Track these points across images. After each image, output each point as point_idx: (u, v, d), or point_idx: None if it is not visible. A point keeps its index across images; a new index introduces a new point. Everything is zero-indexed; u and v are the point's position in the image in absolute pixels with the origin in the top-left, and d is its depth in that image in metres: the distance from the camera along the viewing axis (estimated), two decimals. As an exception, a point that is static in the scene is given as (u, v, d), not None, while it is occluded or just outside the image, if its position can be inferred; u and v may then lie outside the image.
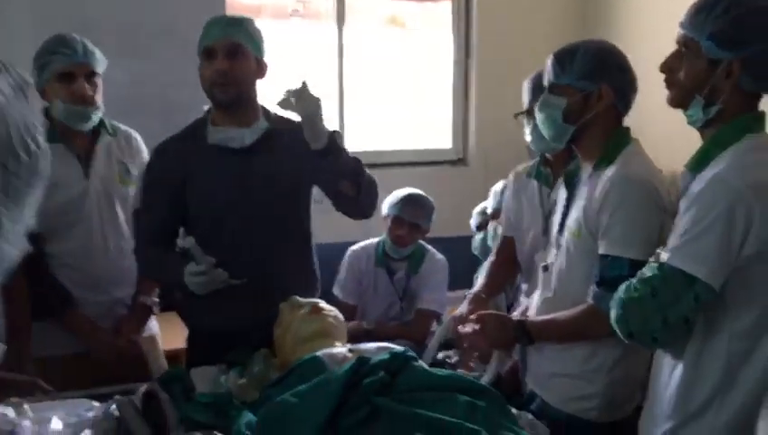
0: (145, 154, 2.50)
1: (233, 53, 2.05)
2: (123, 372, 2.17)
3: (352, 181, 2.07)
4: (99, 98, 2.35)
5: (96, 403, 1.80)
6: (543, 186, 2.40)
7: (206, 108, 2.18)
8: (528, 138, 2.37)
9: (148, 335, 2.55)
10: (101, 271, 2.39)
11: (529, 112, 2.33)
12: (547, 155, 2.41)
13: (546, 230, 2.31)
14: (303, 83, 1.96)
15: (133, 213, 2.40)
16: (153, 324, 2.60)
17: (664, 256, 1.54)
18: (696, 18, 1.55)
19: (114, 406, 1.73)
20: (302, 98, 1.93)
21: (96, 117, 2.36)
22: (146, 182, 2.22)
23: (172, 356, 2.70)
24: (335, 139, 1.98)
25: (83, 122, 2.34)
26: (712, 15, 1.52)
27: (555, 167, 2.37)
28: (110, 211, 2.41)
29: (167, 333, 2.73)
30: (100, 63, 2.35)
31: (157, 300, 2.51)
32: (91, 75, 2.32)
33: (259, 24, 2.16)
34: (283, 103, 1.94)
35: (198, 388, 1.88)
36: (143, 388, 1.81)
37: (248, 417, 1.54)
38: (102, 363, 2.32)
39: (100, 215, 2.38)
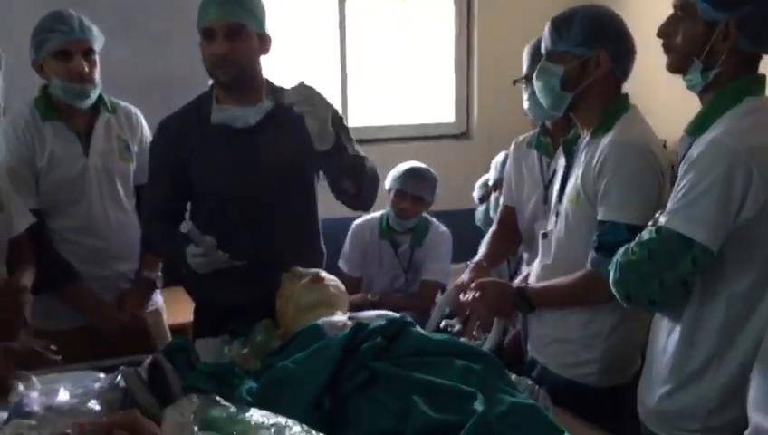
0: (146, 130, 2.51)
1: (233, 34, 1.99)
2: (128, 345, 2.19)
3: (354, 181, 2.07)
4: (96, 75, 2.35)
5: (102, 375, 1.83)
6: (543, 155, 2.40)
7: (210, 82, 2.17)
8: (526, 104, 2.36)
9: (152, 309, 2.58)
10: (104, 246, 2.41)
11: (527, 79, 2.33)
12: (547, 124, 2.41)
13: (546, 199, 2.31)
14: (310, 87, 1.90)
15: (136, 190, 2.42)
16: (158, 299, 2.63)
17: (662, 219, 1.55)
18: None
19: (120, 377, 1.75)
20: (312, 102, 1.87)
21: (94, 94, 2.37)
22: (151, 160, 2.23)
23: (177, 330, 2.74)
24: (341, 139, 1.95)
25: (81, 100, 2.35)
26: None
27: (554, 136, 2.37)
28: (111, 187, 2.42)
29: (172, 308, 2.77)
30: (98, 40, 2.35)
31: (160, 274, 2.54)
32: (88, 52, 2.32)
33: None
34: (293, 98, 1.88)
35: (202, 358, 1.90)
36: (148, 359, 1.84)
37: (249, 384, 1.56)
38: (106, 337, 2.35)
39: (101, 191, 2.40)
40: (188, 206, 2.22)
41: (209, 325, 2.10)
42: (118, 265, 2.46)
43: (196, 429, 1.04)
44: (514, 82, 2.43)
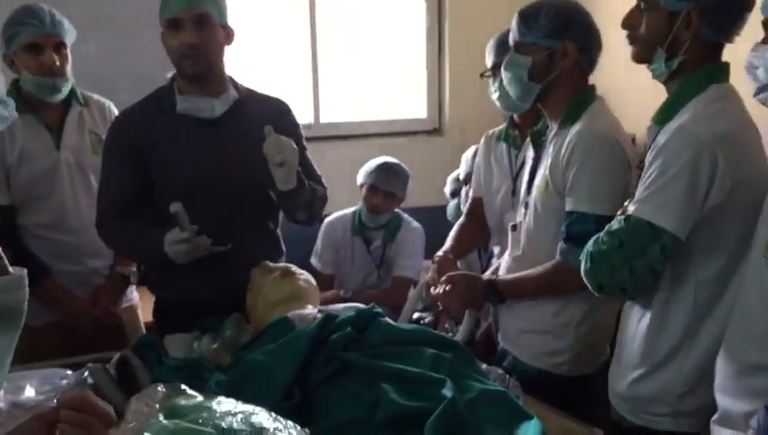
0: None
1: (200, 23, 1.97)
2: (102, 341, 2.17)
3: (308, 213, 2.15)
4: (68, 69, 2.33)
5: (70, 372, 1.81)
6: (512, 148, 2.42)
7: (169, 75, 2.15)
8: (494, 95, 2.37)
9: (127, 305, 2.55)
10: (77, 242, 2.38)
11: (494, 71, 2.34)
12: (515, 117, 2.42)
13: (515, 191, 2.33)
14: (281, 138, 1.94)
15: None
16: (133, 295, 2.60)
17: (631, 208, 1.56)
18: None
19: (87, 373, 1.73)
20: (283, 150, 1.92)
21: (66, 88, 2.34)
22: (108, 154, 2.15)
23: (153, 327, 2.70)
24: (302, 179, 2.01)
25: (53, 94, 2.32)
26: None
27: (522, 129, 2.39)
28: (84, 182, 2.39)
29: (149, 304, 2.73)
30: (69, 34, 2.33)
31: (135, 270, 2.50)
32: (59, 46, 2.29)
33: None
34: (269, 151, 1.93)
35: (172, 354, 1.89)
36: (117, 355, 1.82)
37: (219, 377, 1.55)
38: (80, 333, 2.32)
39: (73, 186, 2.37)
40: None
41: (172, 322, 2.07)
42: (91, 260, 2.43)
43: (160, 417, 1.03)
44: (482, 75, 2.44)
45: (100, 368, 1.74)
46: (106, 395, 1.68)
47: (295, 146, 1.96)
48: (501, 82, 2.22)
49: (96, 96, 2.50)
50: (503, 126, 2.51)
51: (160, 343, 1.96)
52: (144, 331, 2.62)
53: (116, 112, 2.48)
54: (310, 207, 2.14)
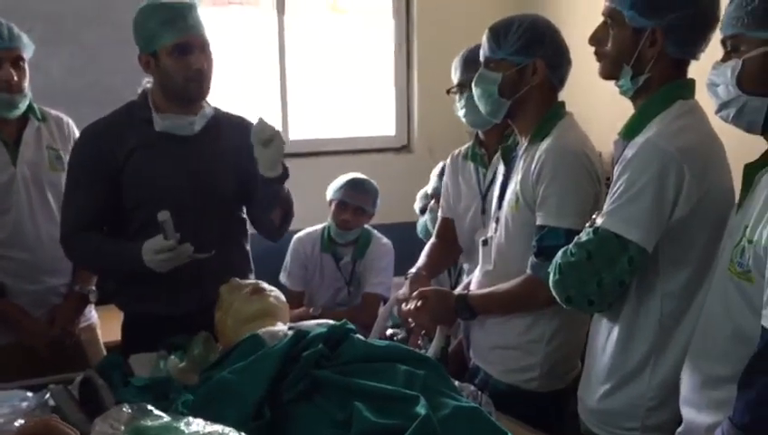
0: None
1: (205, 48, 2.04)
2: (61, 362, 2.12)
3: (284, 210, 2.18)
4: (26, 84, 2.28)
5: (30, 393, 1.75)
6: (479, 166, 2.42)
7: (140, 90, 2.13)
8: (461, 112, 2.38)
9: (86, 325, 2.50)
10: (34, 260, 2.32)
11: (460, 87, 2.35)
12: (481, 136, 2.43)
13: (484, 209, 2.34)
14: (269, 125, 1.99)
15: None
16: (92, 314, 2.55)
17: (599, 220, 1.57)
18: None
19: (49, 395, 1.68)
20: (272, 130, 1.97)
21: (23, 104, 2.30)
22: (76, 167, 2.12)
23: (114, 348, 2.64)
24: (287, 168, 2.04)
25: (10, 110, 2.27)
26: None
27: (488, 147, 2.40)
28: (41, 199, 2.34)
29: (108, 324, 2.67)
30: (27, 48, 2.28)
31: (94, 289, 2.45)
32: (17, 60, 2.25)
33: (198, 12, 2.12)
34: (259, 136, 1.97)
35: (137, 374, 1.84)
36: (80, 376, 1.77)
37: (187, 397, 1.51)
38: (37, 354, 2.26)
39: (30, 203, 2.32)
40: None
41: (141, 340, 2.03)
42: (48, 279, 2.37)
43: (127, 439, 1.00)
44: (448, 92, 2.44)
45: (63, 389, 1.69)
46: (68, 417, 1.63)
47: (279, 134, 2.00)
48: (467, 98, 2.25)
49: (54, 112, 2.45)
50: (468, 144, 2.51)
51: (125, 363, 1.92)
52: (104, 351, 2.57)
53: (74, 128, 2.45)
54: (287, 205, 2.17)
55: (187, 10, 2.01)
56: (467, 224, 2.45)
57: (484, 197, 2.37)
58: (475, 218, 2.41)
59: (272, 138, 1.96)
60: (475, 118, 2.30)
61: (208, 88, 2.08)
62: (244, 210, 2.26)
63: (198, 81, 2.03)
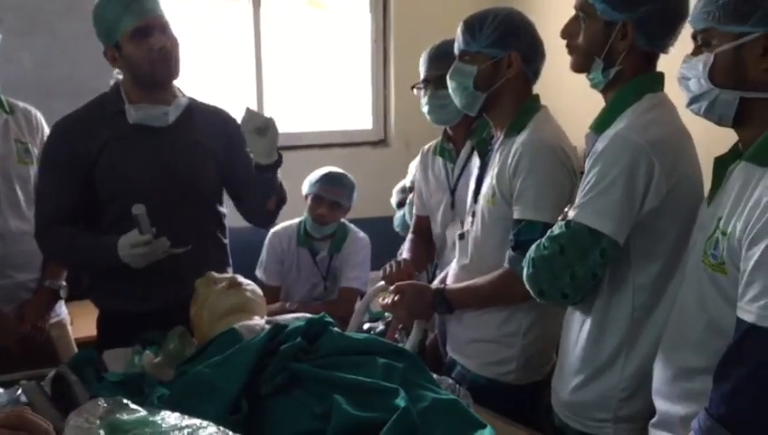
0: (46, 132, 2.39)
1: (166, 29, 2.00)
2: (31, 358, 2.09)
3: (279, 197, 2.16)
4: None
5: (2, 390, 1.72)
6: (447, 162, 2.43)
7: (112, 82, 2.10)
8: (425, 108, 2.38)
9: (56, 321, 2.46)
10: (3, 254, 2.29)
11: (425, 83, 2.35)
12: (449, 131, 2.43)
13: (453, 204, 2.35)
14: (259, 114, 2.00)
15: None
16: (62, 310, 2.51)
17: (571, 213, 1.58)
18: None
19: (21, 391, 1.65)
20: (265, 118, 1.97)
21: None
22: (48, 161, 2.10)
23: (85, 344, 2.61)
24: (281, 154, 2.05)
25: None
26: None
27: (456, 142, 2.41)
28: (9, 192, 2.30)
29: (79, 321, 2.64)
30: None
31: (64, 284, 2.41)
32: None
33: (173, 4, 2.11)
34: (253, 124, 1.97)
35: (111, 370, 1.82)
36: (52, 372, 1.74)
37: (162, 391, 1.50)
38: (7, 350, 2.22)
39: None
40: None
41: (116, 335, 2.01)
42: (17, 274, 2.33)
43: (102, 433, 0.98)
44: (413, 87, 2.44)
45: (35, 385, 1.67)
46: (41, 414, 1.61)
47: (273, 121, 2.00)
48: (430, 96, 2.26)
49: (22, 104, 2.41)
50: (437, 140, 2.52)
51: (99, 359, 1.89)
52: (75, 347, 2.53)
53: (43, 121, 2.41)
54: (281, 191, 2.17)
55: None
56: (440, 219, 2.46)
57: (453, 191, 2.38)
58: (446, 213, 2.42)
59: (266, 125, 1.96)
60: (438, 115, 2.33)
61: (177, 69, 2.04)
62: (222, 203, 2.25)
63: (164, 61, 1.99)
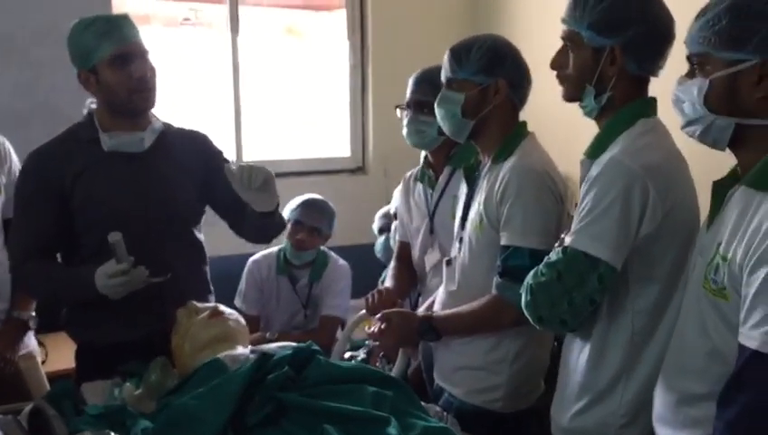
0: (14, 160, 2.34)
1: (146, 56, 1.97)
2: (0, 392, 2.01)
3: (281, 223, 2.22)
4: None
5: (-26, 425, 1.66)
6: (427, 187, 2.43)
7: (86, 111, 2.07)
8: (404, 131, 2.38)
9: (25, 353, 2.39)
10: None
11: (408, 106, 2.35)
12: (429, 157, 2.43)
13: (432, 229, 2.34)
14: (255, 168, 1.95)
15: (3, 224, 2.23)
16: (31, 341, 2.44)
17: (567, 239, 1.58)
18: (574, 11, 1.60)
19: (-4, 426, 1.59)
20: (259, 171, 1.93)
21: None
22: (22, 195, 2.03)
23: (60, 377, 2.53)
24: (278, 202, 2.05)
25: None
26: (588, 6, 1.57)
27: (435, 168, 2.41)
28: None
29: (53, 353, 2.58)
30: None
31: (34, 315, 2.35)
32: None
33: (149, 31, 2.08)
34: (232, 175, 1.93)
35: (90, 402, 1.77)
36: (29, 406, 1.68)
37: (145, 424, 1.45)
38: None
39: None
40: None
41: (95, 368, 1.95)
42: None
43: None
44: (396, 107, 2.44)
45: (11, 420, 1.61)
46: (18, 450, 1.55)
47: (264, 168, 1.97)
48: (410, 120, 2.26)
49: None
50: (418, 167, 2.52)
51: (77, 392, 1.83)
52: (46, 380, 2.46)
53: (11, 148, 2.35)
54: (282, 221, 2.22)
55: (123, 20, 1.97)
56: (419, 245, 2.44)
57: (432, 217, 2.38)
58: (425, 239, 2.40)
59: (266, 180, 1.93)
60: (414, 138, 2.34)
61: (154, 98, 2.01)
62: (201, 230, 2.21)
63: (142, 91, 1.96)
